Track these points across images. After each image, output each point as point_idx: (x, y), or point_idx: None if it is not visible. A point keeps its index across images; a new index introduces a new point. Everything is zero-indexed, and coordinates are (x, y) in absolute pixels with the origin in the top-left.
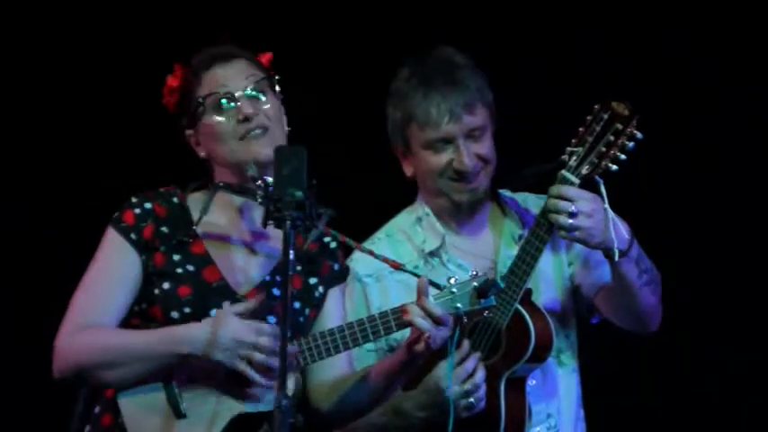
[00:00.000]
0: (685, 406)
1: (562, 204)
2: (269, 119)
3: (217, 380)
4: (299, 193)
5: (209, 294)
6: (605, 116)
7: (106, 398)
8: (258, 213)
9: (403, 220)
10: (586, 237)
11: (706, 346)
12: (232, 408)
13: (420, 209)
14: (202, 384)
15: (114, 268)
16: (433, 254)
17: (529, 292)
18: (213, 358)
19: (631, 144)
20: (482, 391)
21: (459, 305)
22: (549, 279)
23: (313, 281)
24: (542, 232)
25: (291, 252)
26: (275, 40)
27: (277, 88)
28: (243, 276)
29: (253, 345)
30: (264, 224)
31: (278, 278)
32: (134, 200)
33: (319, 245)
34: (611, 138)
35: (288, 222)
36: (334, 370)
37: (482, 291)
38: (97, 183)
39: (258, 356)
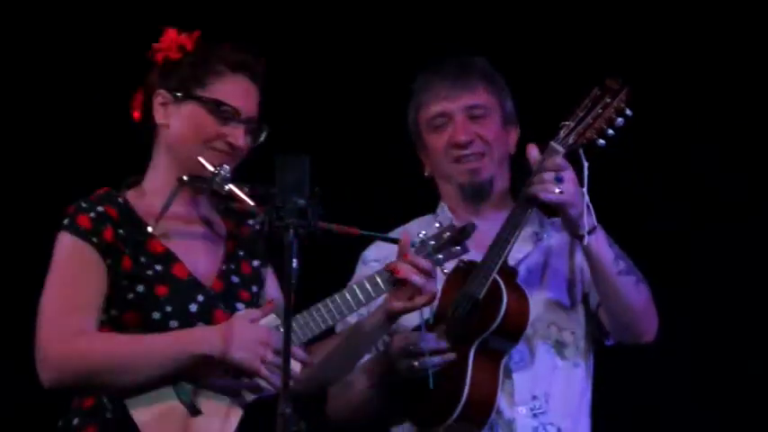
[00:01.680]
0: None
1: (545, 174)
2: (236, 159)
3: (217, 375)
4: (301, 201)
5: (184, 290)
6: (598, 91)
7: (84, 409)
8: (204, 201)
9: (422, 219)
10: (568, 202)
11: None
12: (241, 400)
13: (438, 207)
14: (205, 381)
15: (82, 271)
16: None
17: (513, 272)
18: (232, 359)
19: (620, 119)
20: (428, 362)
21: (440, 255)
22: (560, 273)
23: (256, 263)
24: (525, 203)
25: (294, 261)
26: (280, 44)
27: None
28: (204, 267)
29: (270, 347)
30: (266, 232)
31: (232, 265)
32: (84, 204)
33: (252, 227)
34: (600, 110)
35: (291, 230)
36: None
37: (456, 238)
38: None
39: (272, 357)
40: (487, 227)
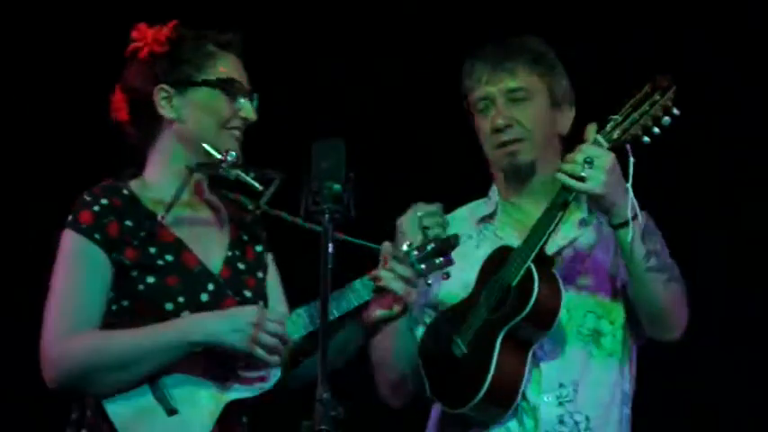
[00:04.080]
0: None
1: (577, 154)
2: (247, 125)
3: (200, 370)
4: (337, 187)
5: (195, 280)
6: (648, 89)
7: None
8: (208, 189)
9: (474, 203)
10: (593, 189)
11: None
12: (221, 397)
13: (490, 189)
14: (187, 376)
15: (85, 271)
16: (484, 220)
17: (550, 261)
18: (226, 343)
19: (667, 118)
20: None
21: (423, 266)
22: (603, 261)
23: (259, 248)
24: (566, 193)
25: (330, 246)
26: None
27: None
28: (212, 255)
29: (265, 329)
30: (304, 219)
31: (237, 252)
32: (87, 198)
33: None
34: (647, 107)
35: (326, 215)
36: None
37: (440, 250)
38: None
39: (269, 339)
40: (532, 209)
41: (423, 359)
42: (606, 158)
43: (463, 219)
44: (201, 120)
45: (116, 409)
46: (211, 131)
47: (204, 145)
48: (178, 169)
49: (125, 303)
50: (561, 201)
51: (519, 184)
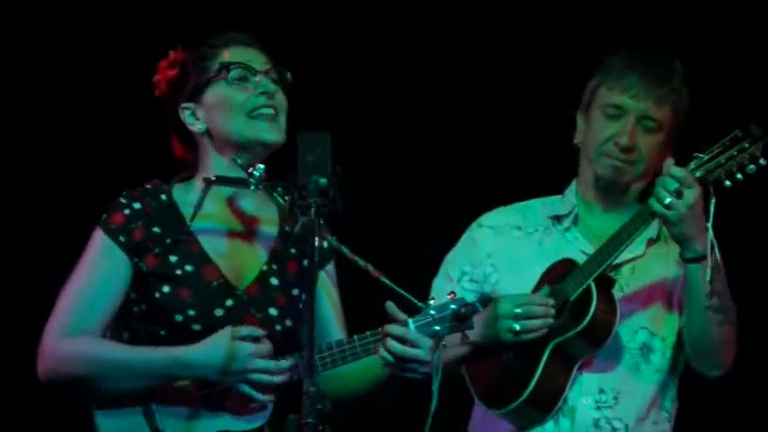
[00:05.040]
0: None
1: (667, 181)
2: (280, 107)
3: (193, 398)
4: (323, 180)
5: (211, 294)
6: (739, 134)
7: None
8: (248, 200)
9: (548, 198)
10: (675, 219)
11: None
12: (211, 426)
13: (568, 188)
14: (179, 403)
15: (102, 271)
16: (558, 218)
17: (610, 281)
18: (218, 381)
19: (752, 166)
20: (528, 324)
21: (437, 328)
22: (663, 281)
23: (306, 263)
24: (640, 221)
25: (317, 240)
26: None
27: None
28: (241, 269)
29: (253, 368)
30: (289, 212)
31: (274, 266)
32: (123, 200)
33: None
34: (735, 153)
35: (313, 210)
36: None
37: (461, 315)
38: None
39: (263, 378)
40: (605, 220)
41: (470, 353)
42: (695, 192)
43: (535, 210)
44: (223, 117)
45: (105, 422)
46: (238, 124)
47: (236, 159)
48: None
49: (143, 308)
50: (640, 222)
51: (605, 193)
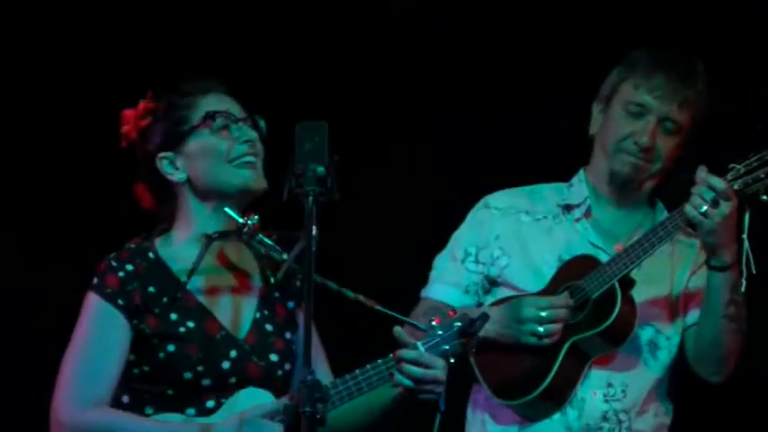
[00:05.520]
0: None
1: (704, 190)
2: (260, 154)
3: None
4: (320, 169)
5: (216, 348)
6: None
7: None
8: (231, 250)
9: (555, 184)
10: (709, 228)
11: None
12: None
13: (575, 177)
14: None
15: (105, 337)
16: (569, 208)
17: (631, 283)
18: None
19: None
20: (552, 328)
21: (446, 347)
22: (674, 281)
23: (291, 305)
24: (671, 226)
25: (314, 228)
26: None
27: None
28: (237, 319)
29: None
30: (286, 200)
31: (266, 312)
32: (113, 263)
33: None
34: None
35: (310, 198)
36: None
37: (466, 331)
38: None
39: None
40: (616, 215)
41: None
42: (732, 204)
43: (544, 196)
44: (205, 165)
45: None
46: (220, 172)
47: (226, 209)
48: (202, 234)
49: (146, 369)
50: (671, 227)
51: (620, 188)
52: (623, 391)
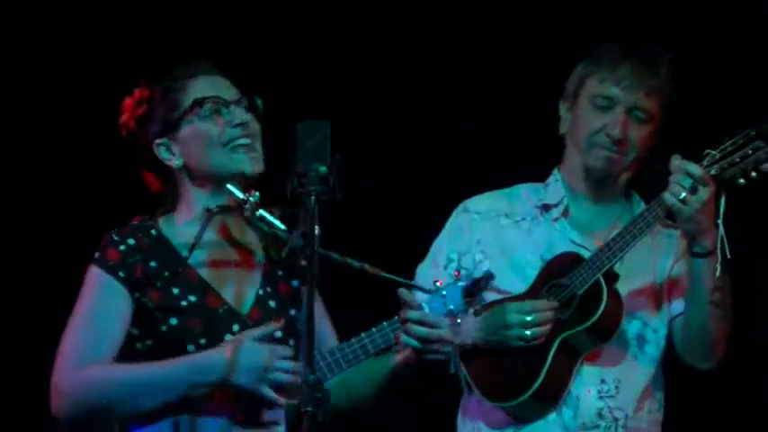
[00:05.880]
0: None
1: (682, 177)
2: (255, 135)
3: (223, 412)
4: (323, 168)
5: (219, 321)
6: (752, 132)
7: None
8: (234, 227)
9: (531, 185)
10: (688, 215)
11: None
12: None
13: (551, 177)
14: (209, 418)
15: (106, 305)
16: (547, 207)
17: (615, 277)
18: (235, 383)
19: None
20: (539, 332)
21: (451, 306)
22: (657, 272)
23: (296, 283)
24: (650, 216)
25: (317, 228)
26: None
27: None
28: (240, 295)
29: (274, 368)
30: (288, 199)
31: (269, 289)
32: (115, 237)
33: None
34: (749, 152)
35: (312, 198)
36: None
37: (470, 290)
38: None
39: (280, 376)
40: (594, 211)
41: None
42: (710, 189)
43: (521, 198)
44: (199, 150)
45: None
46: (214, 156)
47: (228, 186)
48: (202, 211)
49: (149, 343)
50: (651, 218)
51: (596, 184)
52: (616, 387)
